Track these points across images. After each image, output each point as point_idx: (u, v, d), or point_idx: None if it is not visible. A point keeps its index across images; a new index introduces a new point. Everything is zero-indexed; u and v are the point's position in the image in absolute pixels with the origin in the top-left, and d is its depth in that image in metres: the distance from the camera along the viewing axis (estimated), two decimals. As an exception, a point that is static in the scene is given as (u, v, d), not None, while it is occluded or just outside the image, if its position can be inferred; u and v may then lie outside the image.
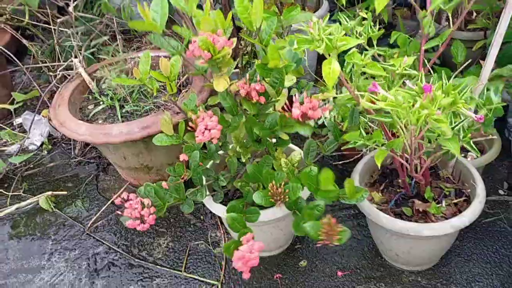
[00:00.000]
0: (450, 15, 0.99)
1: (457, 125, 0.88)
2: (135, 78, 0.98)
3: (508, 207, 1.29)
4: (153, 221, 0.90)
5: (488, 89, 1.19)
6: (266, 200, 0.95)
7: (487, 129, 1.12)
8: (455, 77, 1.25)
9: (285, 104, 0.94)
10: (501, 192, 1.34)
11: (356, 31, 1.07)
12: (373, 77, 1.01)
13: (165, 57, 1.14)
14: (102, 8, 1.73)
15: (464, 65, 1.31)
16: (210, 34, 0.88)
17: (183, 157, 1.02)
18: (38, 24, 1.93)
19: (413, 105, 0.74)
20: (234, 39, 0.94)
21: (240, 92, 0.97)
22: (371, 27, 1.08)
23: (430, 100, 0.69)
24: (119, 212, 0.94)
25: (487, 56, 1.05)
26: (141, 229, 0.88)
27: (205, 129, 0.88)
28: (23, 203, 1.54)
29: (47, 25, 1.87)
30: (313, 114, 0.87)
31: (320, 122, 1.40)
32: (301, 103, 0.86)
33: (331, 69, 0.82)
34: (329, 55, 0.84)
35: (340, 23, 1.06)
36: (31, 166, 1.72)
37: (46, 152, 1.78)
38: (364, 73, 1.00)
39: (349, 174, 1.18)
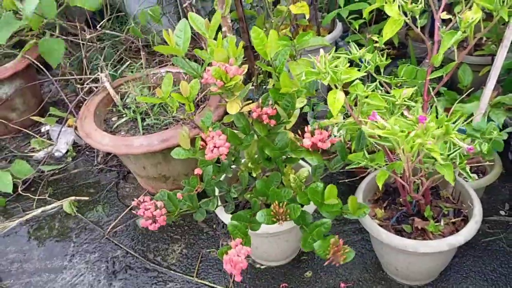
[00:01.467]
0: (455, 48, 1.06)
1: (453, 152, 0.94)
2: (158, 97, 1.07)
3: (508, 227, 1.34)
4: (163, 221, 0.99)
5: (489, 117, 1.25)
6: (268, 219, 1.03)
7: (485, 157, 1.17)
8: (459, 101, 1.32)
9: (298, 132, 1.01)
10: (502, 212, 1.39)
11: (365, 59, 1.14)
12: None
13: (185, 73, 1.23)
14: (130, 31, 1.84)
15: (470, 90, 1.37)
16: (223, 64, 0.97)
17: (197, 171, 1.10)
18: (66, 38, 2.05)
19: (408, 134, 0.81)
20: (245, 66, 1.02)
21: (252, 115, 1.05)
22: (379, 56, 1.14)
23: (424, 130, 0.76)
24: (135, 212, 1.03)
25: (486, 84, 1.11)
26: (153, 228, 0.97)
27: (214, 147, 0.97)
28: (48, 207, 1.64)
29: (75, 38, 1.99)
30: (322, 145, 0.95)
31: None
32: (312, 134, 0.94)
33: (336, 99, 0.90)
34: (335, 86, 0.92)
35: (351, 52, 1.13)
36: (56, 172, 1.83)
37: (70, 159, 1.89)
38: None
39: (355, 189, 1.25)
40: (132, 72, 1.77)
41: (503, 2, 0.92)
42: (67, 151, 1.91)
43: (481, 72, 1.57)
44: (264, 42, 1.03)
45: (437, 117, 0.84)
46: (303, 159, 1.28)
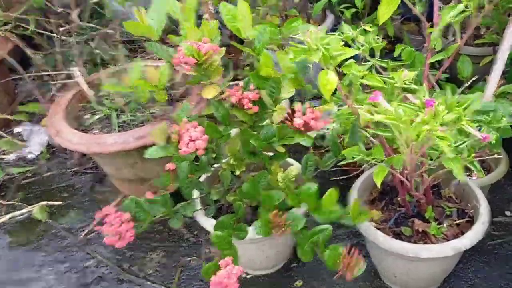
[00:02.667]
0: (457, 29, 0.95)
1: (461, 144, 0.83)
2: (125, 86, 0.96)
3: (516, 229, 1.24)
4: (131, 237, 0.86)
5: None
6: (266, 231, 0.91)
7: (494, 149, 1.07)
8: (461, 93, 1.21)
9: (287, 114, 0.91)
10: (507, 213, 1.29)
11: (358, 41, 1.03)
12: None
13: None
14: (107, 14, 1.72)
15: (471, 80, 1.27)
16: (196, 42, 0.86)
17: (169, 166, 0.98)
18: (44, 32, 1.92)
19: (414, 120, 0.70)
20: (223, 48, 0.91)
21: (231, 100, 0.94)
22: (373, 38, 1.04)
23: (432, 115, 0.65)
24: (99, 228, 0.90)
25: (491, 71, 1.01)
26: (120, 246, 0.84)
27: (190, 140, 0.85)
28: (17, 213, 1.51)
29: (52, 34, 1.87)
30: (315, 125, 0.84)
31: (321, 132, 1.36)
32: (304, 113, 0.83)
33: (327, 80, 0.79)
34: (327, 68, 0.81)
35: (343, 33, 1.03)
36: (28, 175, 1.70)
37: (44, 161, 1.76)
38: (364, 86, 0.96)
39: (350, 190, 1.13)
40: (106, 65, 1.65)
41: None
42: (41, 152, 1.78)
43: (481, 63, 1.47)
44: (236, 17, 0.92)
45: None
46: (290, 156, 1.18)
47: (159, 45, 1.02)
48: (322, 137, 1.43)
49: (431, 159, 0.91)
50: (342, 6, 1.59)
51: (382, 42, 1.08)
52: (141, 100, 0.98)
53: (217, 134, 1.00)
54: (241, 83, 0.99)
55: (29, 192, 1.62)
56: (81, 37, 1.87)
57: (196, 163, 1.06)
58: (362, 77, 0.87)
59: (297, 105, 0.89)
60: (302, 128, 0.87)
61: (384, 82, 0.91)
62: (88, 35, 1.80)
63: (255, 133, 0.99)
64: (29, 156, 1.77)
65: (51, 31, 1.94)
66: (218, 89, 0.93)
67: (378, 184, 0.88)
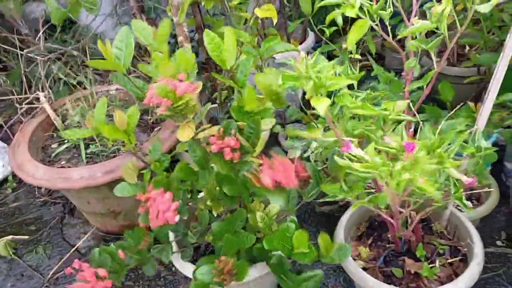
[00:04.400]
0: (433, 55, 0.90)
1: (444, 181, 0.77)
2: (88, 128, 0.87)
3: (508, 260, 1.18)
4: None
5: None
6: (210, 277, 0.83)
7: (481, 180, 1.02)
8: (447, 118, 1.16)
9: (257, 168, 0.80)
10: (498, 243, 1.23)
11: (335, 72, 0.97)
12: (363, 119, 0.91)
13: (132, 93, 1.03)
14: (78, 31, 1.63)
15: (458, 107, 1.22)
16: (171, 79, 0.77)
17: (141, 209, 0.89)
18: (10, 49, 1.81)
19: (393, 168, 0.64)
20: (200, 83, 0.83)
21: (212, 148, 0.84)
22: (351, 69, 0.98)
23: (413, 162, 0.58)
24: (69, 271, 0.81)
25: (485, 98, 0.95)
26: None
27: (158, 212, 0.76)
28: (-21, 249, 1.40)
29: (17, 50, 1.76)
30: (287, 182, 0.74)
31: (305, 155, 1.29)
32: (271, 168, 0.74)
33: (321, 102, 0.71)
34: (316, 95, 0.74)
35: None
36: (-8, 205, 1.59)
37: (10, 191, 1.65)
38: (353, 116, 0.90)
39: (337, 219, 1.06)
40: (75, 87, 1.55)
41: None
42: (7, 180, 1.67)
43: (466, 80, 1.42)
44: (220, 47, 0.84)
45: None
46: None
47: (126, 78, 0.93)
48: (307, 159, 1.36)
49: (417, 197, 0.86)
50: (322, 25, 1.52)
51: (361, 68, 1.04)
52: (108, 144, 0.89)
53: (193, 177, 0.92)
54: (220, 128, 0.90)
55: (-8, 225, 1.51)
56: (48, 57, 1.77)
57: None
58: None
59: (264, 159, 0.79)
60: (272, 187, 0.77)
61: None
62: (56, 54, 1.70)
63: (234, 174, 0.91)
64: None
65: (19, 48, 1.83)
66: (193, 130, 0.85)
67: (353, 209, 0.82)
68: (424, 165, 0.63)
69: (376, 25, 0.88)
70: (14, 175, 1.69)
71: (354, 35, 0.91)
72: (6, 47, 1.71)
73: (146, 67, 0.97)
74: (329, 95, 0.75)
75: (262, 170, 0.74)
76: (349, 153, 0.68)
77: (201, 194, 1.03)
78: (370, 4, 0.86)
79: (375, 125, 0.81)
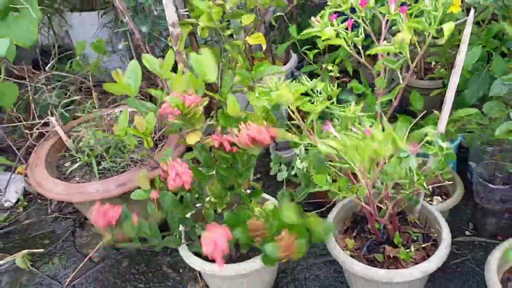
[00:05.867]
0: (399, 73, 1.07)
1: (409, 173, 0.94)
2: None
3: (475, 247, 1.36)
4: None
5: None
6: (247, 237, 0.98)
7: (444, 175, 1.19)
8: (415, 124, 1.33)
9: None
10: (467, 232, 1.41)
11: (317, 90, 1.14)
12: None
13: (141, 113, 1.19)
14: (74, 66, 1.78)
15: (422, 113, 1.40)
16: (181, 93, 0.94)
17: (154, 194, 1.05)
18: (10, 78, 1.95)
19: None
20: (206, 98, 1.00)
21: (213, 144, 1.02)
22: (330, 86, 1.15)
23: (371, 138, 0.77)
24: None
25: (442, 109, 1.13)
26: None
27: (176, 174, 0.93)
28: (-2, 263, 1.52)
29: (22, 81, 1.90)
30: (261, 138, 0.91)
31: (293, 172, 1.45)
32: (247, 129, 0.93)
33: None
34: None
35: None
36: (6, 224, 1.71)
37: (21, 209, 1.77)
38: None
39: (325, 217, 1.22)
40: (83, 112, 1.70)
41: (430, 23, 0.96)
42: (18, 200, 1.80)
43: (431, 93, 1.61)
44: (202, 64, 1.02)
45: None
46: (266, 192, 1.27)
47: (137, 101, 1.10)
48: (295, 175, 1.52)
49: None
50: (305, 47, 1.71)
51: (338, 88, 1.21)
52: (130, 147, 1.05)
53: (200, 175, 1.08)
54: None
55: (8, 242, 1.63)
56: (53, 83, 1.92)
57: (181, 200, 1.14)
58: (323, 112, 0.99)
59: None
60: (250, 144, 0.95)
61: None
62: (62, 82, 1.85)
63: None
64: (6, 204, 1.78)
65: (18, 77, 1.97)
66: (200, 135, 1.02)
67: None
68: (378, 138, 0.80)
69: (351, 49, 1.05)
70: (25, 195, 1.81)
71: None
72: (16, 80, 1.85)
73: (155, 91, 1.14)
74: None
75: (241, 132, 0.91)
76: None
77: (207, 199, 1.18)
78: (346, 32, 1.03)
79: (340, 126, 0.98)
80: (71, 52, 2.21)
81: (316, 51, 1.67)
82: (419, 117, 1.35)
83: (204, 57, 1.04)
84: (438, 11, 0.96)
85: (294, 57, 1.92)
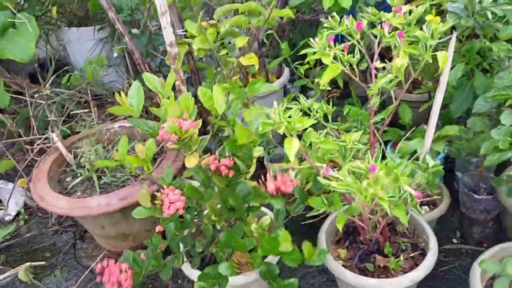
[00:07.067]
0: (392, 92, 1.14)
1: (403, 194, 0.99)
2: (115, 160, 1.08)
3: (462, 254, 1.42)
4: (129, 286, 0.97)
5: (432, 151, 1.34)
6: (232, 270, 1.04)
7: (432, 190, 1.25)
8: (404, 136, 1.40)
9: (260, 179, 1.04)
10: (454, 240, 1.47)
11: (313, 108, 1.19)
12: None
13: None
14: (72, 80, 1.83)
15: (412, 129, 1.46)
16: (177, 119, 1.00)
17: (159, 228, 1.10)
18: (11, 95, 1.99)
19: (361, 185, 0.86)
20: (199, 121, 1.06)
21: (210, 168, 1.07)
22: (325, 105, 1.20)
23: (375, 180, 0.81)
24: (98, 281, 1.01)
25: (428, 124, 1.20)
26: None
27: (170, 203, 0.98)
28: (1, 276, 1.56)
29: (20, 96, 1.94)
30: (285, 189, 0.98)
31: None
32: (274, 178, 0.98)
33: (291, 145, 0.94)
34: (290, 134, 0.97)
35: (299, 101, 1.19)
36: (8, 237, 1.74)
37: (22, 223, 1.81)
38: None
39: (319, 228, 1.28)
40: (84, 127, 1.75)
41: (426, 48, 1.02)
42: (18, 213, 1.83)
43: (421, 108, 1.68)
44: (211, 99, 1.07)
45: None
46: (264, 205, 1.32)
47: (140, 121, 1.15)
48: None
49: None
50: (297, 62, 1.77)
51: (333, 100, 1.26)
52: (131, 171, 1.10)
53: (198, 195, 1.13)
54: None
55: (10, 255, 1.67)
56: (52, 98, 1.96)
57: (181, 220, 1.18)
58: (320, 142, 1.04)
59: (268, 173, 1.03)
60: (274, 193, 1.02)
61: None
62: (60, 98, 1.89)
63: (232, 191, 1.13)
64: (7, 218, 1.82)
65: (16, 92, 2.01)
66: (198, 158, 1.07)
67: (340, 228, 1.05)
68: (383, 182, 0.86)
69: (347, 69, 1.10)
70: (25, 209, 1.85)
71: (328, 75, 1.08)
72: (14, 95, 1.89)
73: (156, 110, 1.19)
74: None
75: (268, 180, 0.97)
76: (329, 175, 0.91)
77: (205, 212, 1.23)
78: (342, 53, 1.08)
79: (338, 153, 1.04)
80: (68, 67, 2.25)
81: (307, 66, 1.73)
82: (409, 132, 1.42)
83: (214, 93, 1.09)
84: (435, 39, 1.03)
85: (286, 71, 1.98)
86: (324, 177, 0.91)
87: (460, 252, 1.43)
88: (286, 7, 1.71)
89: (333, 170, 0.89)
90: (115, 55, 2.18)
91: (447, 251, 1.43)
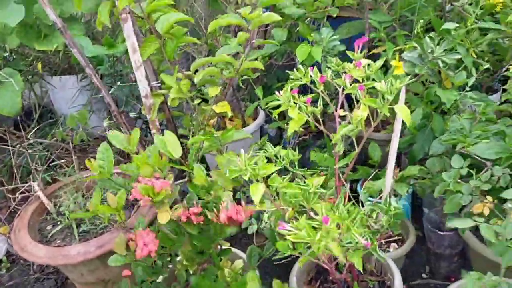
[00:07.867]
0: (354, 139, 1.21)
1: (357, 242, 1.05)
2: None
3: (431, 289, 1.47)
4: None
5: (395, 191, 1.41)
6: None
7: (395, 230, 1.31)
8: (371, 177, 1.47)
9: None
10: (424, 275, 1.52)
11: (280, 155, 1.26)
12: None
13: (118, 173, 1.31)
14: (57, 135, 1.90)
15: (381, 167, 1.53)
16: (149, 179, 1.05)
17: (126, 273, 1.14)
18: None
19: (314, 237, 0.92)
20: (171, 176, 1.12)
21: (181, 218, 1.13)
22: (291, 152, 1.27)
23: (326, 232, 0.87)
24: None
25: (387, 168, 1.27)
26: None
27: (144, 245, 1.03)
28: (-19, 327, 1.57)
29: (4, 145, 1.99)
30: (237, 218, 1.04)
31: (261, 226, 1.57)
32: (226, 209, 1.04)
33: (257, 190, 1.01)
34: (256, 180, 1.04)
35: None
36: (-11, 286, 1.77)
37: (4, 271, 1.83)
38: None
39: (291, 268, 1.32)
40: (65, 175, 1.80)
41: (384, 102, 1.10)
42: (0, 261, 1.85)
43: (388, 148, 1.76)
44: (165, 144, 1.15)
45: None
46: (237, 248, 1.38)
47: (108, 182, 1.21)
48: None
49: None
50: (270, 107, 1.86)
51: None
52: (104, 221, 1.15)
53: (169, 242, 1.19)
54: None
55: (-9, 304, 1.69)
56: (35, 147, 2.02)
57: (154, 266, 1.23)
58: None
59: (221, 203, 1.09)
60: (227, 222, 1.08)
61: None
62: (43, 146, 1.95)
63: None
64: (-12, 267, 1.84)
65: (3, 139, 2.07)
66: (169, 214, 1.13)
67: (301, 266, 1.10)
68: (333, 235, 0.92)
69: (312, 119, 1.17)
70: (7, 256, 1.88)
71: (293, 126, 1.16)
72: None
73: (125, 167, 1.25)
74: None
75: (220, 210, 1.05)
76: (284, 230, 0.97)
77: (178, 258, 1.28)
78: (306, 105, 1.16)
79: (302, 196, 1.10)
80: (51, 115, 2.32)
81: (279, 110, 1.81)
82: (377, 170, 1.49)
83: (167, 138, 1.17)
84: (392, 94, 1.11)
85: (262, 114, 2.07)
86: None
87: (430, 287, 1.48)
88: (258, 55, 1.81)
89: (290, 223, 0.95)
90: (105, 124, 2.25)
91: (418, 286, 1.48)
